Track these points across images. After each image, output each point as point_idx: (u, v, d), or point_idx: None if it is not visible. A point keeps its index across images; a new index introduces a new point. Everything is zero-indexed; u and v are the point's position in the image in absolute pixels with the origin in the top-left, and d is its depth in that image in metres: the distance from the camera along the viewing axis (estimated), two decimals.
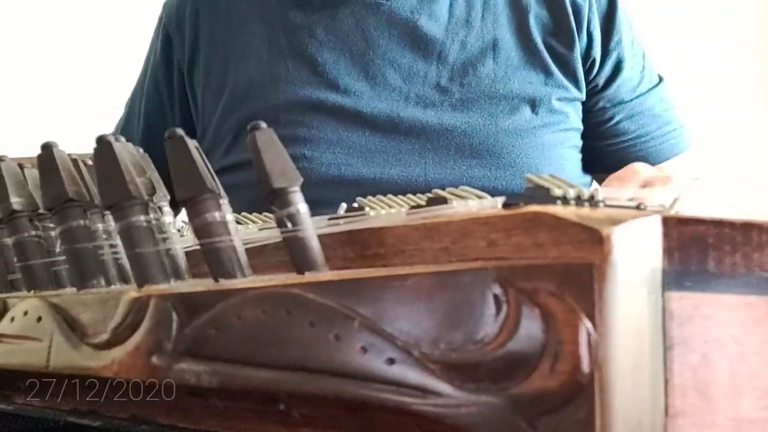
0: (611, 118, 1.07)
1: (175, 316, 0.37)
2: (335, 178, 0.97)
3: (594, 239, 0.29)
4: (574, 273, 0.29)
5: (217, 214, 0.38)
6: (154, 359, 0.37)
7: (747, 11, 2.36)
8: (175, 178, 0.39)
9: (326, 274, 0.37)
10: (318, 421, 0.35)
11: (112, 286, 0.44)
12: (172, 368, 0.36)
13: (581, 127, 1.05)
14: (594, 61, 1.03)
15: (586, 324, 0.29)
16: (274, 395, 0.35)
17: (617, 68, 1.05)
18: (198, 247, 0.39)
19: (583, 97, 1.04)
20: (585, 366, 0.29)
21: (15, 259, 0.48)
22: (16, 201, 0.47)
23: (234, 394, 0.36)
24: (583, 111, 1.05)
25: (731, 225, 0.32)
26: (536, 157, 0.99)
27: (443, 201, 0.41)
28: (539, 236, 0.31)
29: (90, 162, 0.46)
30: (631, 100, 1.07)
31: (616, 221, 0.29)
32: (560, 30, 1.02)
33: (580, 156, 1.06)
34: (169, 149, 0.39)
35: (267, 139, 0.38)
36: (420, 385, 0.31)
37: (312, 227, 0.38)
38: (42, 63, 1.93)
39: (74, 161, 0.45)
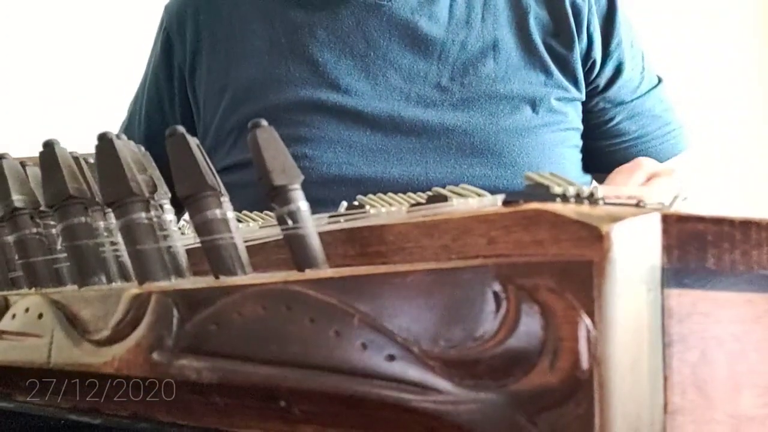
0: (612, 119, 1.07)
1: (175, 312, 0.37)
2: (336, 177, 0.98)
3: (593, 236, 0.29)
4: (574, 270, 0.29)
5: (217, 212, 0.38)
6: (155, 355, 0.37)
7: (747, 11, 2.36)
8: (176, 175, 0.39)
9: (326, 271, 0.37)
10: (318, 417, 0.35)
11: (113, 283, 0.44)
12: (173, 364, 0.36)
13: (581, 127, 1.05)
14: (594, 62, 1.03)
15: (586, 321, 0.29)
16: (275, 391, 0.35)
17: (618, 70, 1.05)
18: (199, 245, 0.39)
19: (583, 97, 1.04)
20: (584, 363, 0.29)
21: (16, 257, 0.48)
22: (17, 198, 0.47)
23: (234, 390, 0.36)
24: (584, 111, 1.05)
25: (730, 223, 0.32)
26: (537, 156, 1.00)
27: (443, 199, 0.41)
28: (539, 233, 0.31)
29: (91, 160, 0.46)
30: (632, 100, 1.07)
31: (615, 218, 0.29)
32: (560, 31, 1.02)
33: (580, 156, 1.07)
34: (170, 147, 0.39)
35: (268, 136, 0.38)
36: (420, 381, 0.31)
37: (312, 225, 0.38)
38: (44, 63, 1.93)
39: (75, 159, 0.45)
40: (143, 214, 0.40)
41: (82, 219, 0.43)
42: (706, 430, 0.31)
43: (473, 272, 0.31)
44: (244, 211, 0.54)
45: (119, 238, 0.42)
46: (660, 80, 1.11)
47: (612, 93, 1.06)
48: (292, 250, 0.38)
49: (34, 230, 0.47)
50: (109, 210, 0.42)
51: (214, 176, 0.39)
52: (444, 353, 0.31)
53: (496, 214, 0.33)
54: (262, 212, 0.53)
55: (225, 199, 0.39)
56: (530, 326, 0.30)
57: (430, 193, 0.42)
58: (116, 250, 0.44)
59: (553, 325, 0.29)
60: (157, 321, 0.37)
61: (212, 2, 1.07)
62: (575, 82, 1.02)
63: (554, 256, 0.30)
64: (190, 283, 0.39)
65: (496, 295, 0.30)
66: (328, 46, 1.01)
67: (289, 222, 0.38)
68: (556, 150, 1.02)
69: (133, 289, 0.39)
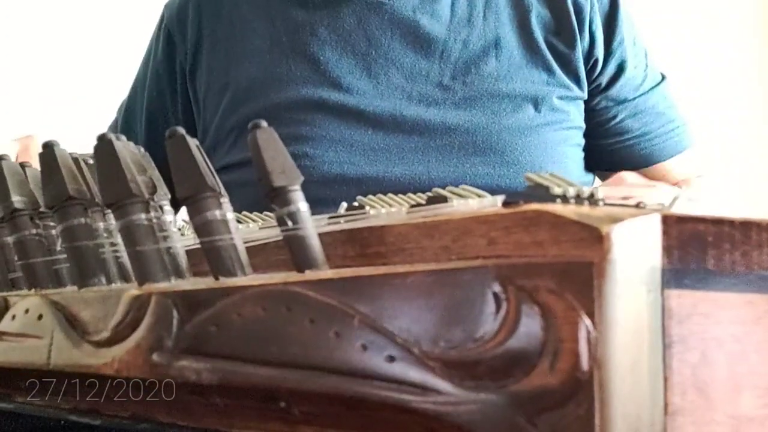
0: (614, 117, 1.07)
1: (175, 313, 0.37)
2: (338, 176, 0.98)
3: (594, 237, 0.29)
4: (574, 271, 0.29)
5: (217, 213, 0.38)
6: (155, 357, 0.37)
7: (747, 11, 2.36)
8: (176, 176, 0.39)
9: (326, 272, 0.37)
10: (318, 418, 0.35)
11: (113, 284, 0.44)
12: (173, 365, 0.36)
13: (583, 125, 1.05)
14: (597, 60, 1.03)
15: (586, 322, 0.29)
16: (275, 392, 0.35)
17: (620, 68, 1.05)
18: (199, 246, 0.39)
19: (585, 96, 1.04)
20: (584, 364, 0.29)
21: (16, 258, 0.48)
22: (17, 199, 0.47)
23: (234, 391, 0.36)
24: (586, 110, 1.05)
25: (730, 223, 0.32)
26: (539, 155, 1.00)
27: (443, 200, 0.41)
28: (539, 234, 0.31)
29: (91, 160, 0.46)
30: (634, 98, 1.07)
31: (615, 219, 0.29)
32: (562, 29, 1.02)
33: (582, 154, 1.06)
34: (170, 148, 0.39)
35: (267, 137, 0.38)
36: (420, 382, 0.31)
37: (312, 226, 0.38)
38: (44, 63, 1.93)
39: (75, 160, 0.45)
40: (143, 215, 0.40)
41: (82, 220, 0.43)
42: (707, 431, 0.31)
43: (473, 273, 0.31)
44: (244, 212, 0.54)
45: (119, 239, 0.42)
46: (663, 78, 1.11)
47: (614, 91, 1.05)
48: (291, 251, 0.38)
49: (34, 231, 0.47)
50: (109, 211, 0.42)
51: (214, 177, 0.39)
52: (444, 354, 0.31)
53: (496, 215, 0.33)
54: (262, 212, 0.53)
55: (225, 200, 0.39)
56: (530, 327, 0.30)
57: (430, 193, 0.42)
58: (116, 251, 0.44)
59: (554, 326, 0.29)
60: (156, 322, 0.37)
61: (213, 0, 1.07)
62: (577, 81, 1.02)
63: (554, 257, 0.30)
64: (189, 284, 0.39)
65: (496, 296, 0.30)
66: (329, 44, 1.01)
67: (289, 223, 0.38)
68: (559, 149, 1.02)
69: (132, 290, 0.39)
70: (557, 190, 0.35)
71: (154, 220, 0.40)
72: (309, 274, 0.37)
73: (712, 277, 0.31)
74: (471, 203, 0.40)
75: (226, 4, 1.06)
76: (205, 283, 0.38)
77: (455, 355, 0.31)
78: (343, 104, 0.99)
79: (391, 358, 0.32)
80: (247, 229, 0.50)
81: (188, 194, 0.39)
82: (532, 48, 1.01)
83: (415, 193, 0.46)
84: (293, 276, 0.36)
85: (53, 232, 0.47)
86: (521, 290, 0.30)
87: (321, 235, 0.38)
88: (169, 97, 1.09)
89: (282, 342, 0.34)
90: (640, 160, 1.09)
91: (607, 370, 0.29)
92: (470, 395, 0.30)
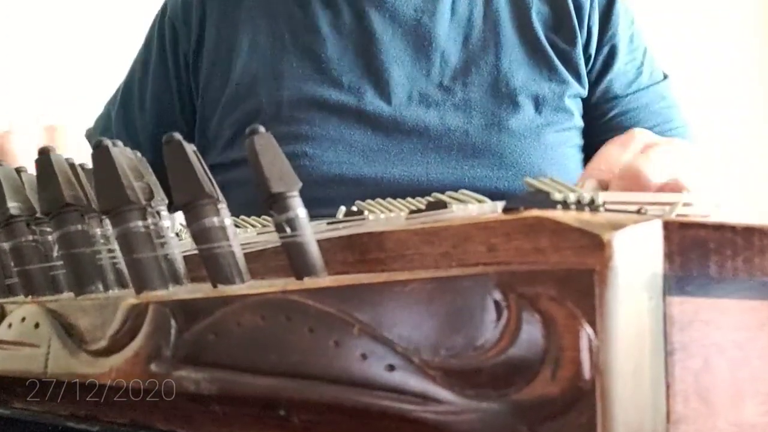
0: (605, 114, 1.06)
1: (173, 322, 0.36)
2: (337, 176, 0.97)
3: (595, 244, 0.29)
4: (575, 278, 0.29)
5: (215, 219, 0.38)
6: (153, 366, 0.36)
7: (747, 11, 2.35)
8: (174, 182, 0.39)
9: (325, 280, 0.36)
10: (318, 427, 0.35)
11: (110, 291, 0.44)
12: (171, 375, 0.36)
13: (582, 124, 1.05)
14: (590, 56, 1.03)
15: (587, 330, 0.28)
16: (274, 401, 0.34)
17: (608, 62, 1.04)
18: (196, 252, 0.39)
19: (585, 93, 1.03)
20: (586, 372, 0.28)
21: (12, 264, 0.48)
22: (13, 205, 0.47)
23: (233, 399, 0.36)
24: (583, 107, 1.05)
25: (732, 229, 0.31)
26: (539, 157, 0.99)
27: (443, 205, 0.40)
28: (540, 241, 0.31)
29: (88, 166, 0.46)
30: (626, 95, 1.06)
31: (616, 226, 0.29)
32: (562, 25, 1.02)
33: (581, 155, 1.06)
34: (168, 154, 0.39)
35: (265, 143, 0.38)
36: (420, 391, 0.31)
37: (311, 232, 0.38)
38: (43, 64, 1.93)
39: (72, 166, 0.45)
40: (140, 222, 0.39)
41: (79, 227, 0.43)
42: None
43: (474, 280, 0.31)
44: (242, 216, 0.54)
45: (116, 246, 0.42)
46: (665, 77, 1.10)
47: (604, 86, 1.05)
48: (290, 257, 0.37)
49: (30, 238, 0.47)
50: (106, 217, 0.42)
51: (212, 183, 0.39)
52: (445, 363, 0.31)
53: (496, 222, 0.33)
54: (260, 211, 0.53)
55: (222, 206, 0.39)
56: (531, 335, 0.30)
57: (429, 198, 0.42)
58: (113, 258, 0.44)
59: (555, 334, 0.29)
60: (154, 331, 0.37)
61: None
62: (578, 77, 1.02)
63: (555, 264, 0.30)
64: (188, 291, 0.39)
65: (497, 303, 0.30)
66: (331, 42, 1.01)
67: (288, 229, 0.37)
68: (558, 150, 1.01)
69: (130, 298, 0.39)
70: (558, 196, 0.35)
71: (152, 227, 0.40)
72: (308, 282, 0.36)
73: (714, 283, 0.31)
74: (471, 209, 0.39)
75: (230, 0, 1.07)
76: (204, 290, 0.38)
77: (456, 363, 0.30)
78: (343, 103, 0.99)
79: (391, 367, 0.31)
80: (245, 235, 0.49)
81: (186, 201, 0.38)
82: (533, 46, 1.01)
83: (413, 194, 0.46)
84: (292, 284, 0.35)
85: (50, 238, 0.47)
86: (522, 298, 0.30)
87: (320, 241, 0.38)
88: (176, 85, 1.09)
89: (281, 351, 0.33)
90: None
91: (608, 377, 0.28)
92: (471, 404, 0.30)
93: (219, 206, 0.38)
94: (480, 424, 0.30)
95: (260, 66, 1.02)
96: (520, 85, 1.00)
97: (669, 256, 0.30)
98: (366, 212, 0.44)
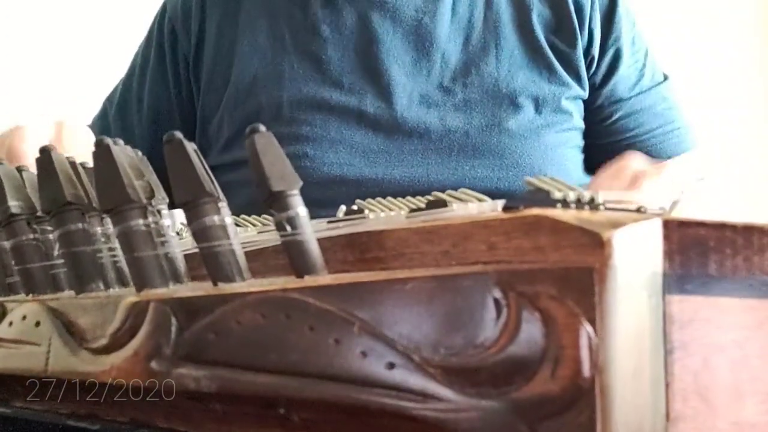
0: (610, 116, 1.07)
1: (174, 320, 0.36)
2: (337, 177, 0.97)
3: (594, 243, 0.29)
4: (575, 277, 0.29)
5: (216, 218, 0.38)
6: (153, 364, 0.37)
7: (747, 11, 2.35)
8: (174, 181, 0.39)
9: (325, 278, 0.36)
10: (318, 425, 0.35)
11: (111, 290, 0.44)
12: (171, 373, 0.36)
13: (583, 126, 1.05)
14: (593, 58, 1.03)
15: (587, 328, 0.29)
16: (274, 399, 0.34)
17: (613, 65, 1.04)
18: (197, 250, 0.39)
19: (586, 95, 1.03)
20: (586, 370, 0.29)
21: (13, 263, 0.48)
22: (14, 204, 0.47)
23: (233, 398, 0.36)
24: (584, 109, 1.05)
25: (732, 228, 0.31)
26: (539, 157, 0.99)
27: (443, 204, 0.40)
28: (540, 240, 0.31)
29: (89, 165, 0.46)
30: (630, 98, 1.07)
31: (616, 225, 0.29)
32: (563, 27, 1.02)
33: (581, 156, 1.06)
34: (168, 153, 0.39)
35: (266, 142, 0.38)
36: (420, 389, 0.31)
37: (311, 230, 0.38)
38: (43, 64, 1.93)
39: (72, 164, 0.45)
40: (141, 221, 0.40)
41: (79, 225, 0.43)
42: None
43: (474, 279, 0.31)
44: (242, 216, 0.54)
45: (117, 244, 0.42)
46: (665, 79, 1.10)
47: (609, 89, 1.05)
48: (290, 256, 0.37)
49: (31, 236, 0.47)
50: (107, 216, 0.42)
51: (212, 182, 0.39)
52: (444, 361, 0.31)
53: (496, 220, 0.33)
54: (261, 211, 0.53)
55: (223, 205, 0.39)
56: (531, 333, 0.30)
57: (429, 197, 0.42)
58: (114, 256, 0.44)
59: (554, 332, 0.29)
60: (155, 329, 0.37)
61: None
62: (578, 79, 1.02)
63: (555, 262, 0.30)
64: (188, 289, 0.39)
65: (496, 302, 0.30)
66: (331, 43, 1.01)
67: (288, 228, 0.37)
68: (559, 151, 1.02)
69: (130, 296, 0.39)
70: (558, 195, 0.35)
71: (152, 225, 0.40)
72: (308, 280, 0.36)
73: (713, 282, 0.31)
74: (471, 208, 0.39)
75: (230, 1, 1.06)
76: (204, 289, 0.38)
77: (456, 361, 0.31)
78: (344, 104, 0.99)
79: (391, 365, 0.31)
80: (245, 234, 0.49)
81: (186, 199, 0.38)
82: (533, 47, 1.01)
83: (414, 195, 0.46)
84: (292, 282, 0.35)
85: (50, 237, 0.47)
86: (522, 296, 0.30)
87: (320, 240, 0.38)
88: (173, 87, 1.09)
89: (281, 349, 0.33)
90: None
91: (608, 376, 0.28)
92: (471, 402, 0.30)
93: (219, 205, 0.38)
94: (480, 422, 0.30)
95: (260, 67, 1.02)
96: (520, 87, 1.00)
97: (669, 254, 0.30)
98: (366, 211, 0.45)
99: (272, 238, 0.42)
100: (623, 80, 1.06)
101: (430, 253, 0.36)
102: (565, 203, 0.34)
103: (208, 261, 0.38)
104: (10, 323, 0.46)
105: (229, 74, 1.04)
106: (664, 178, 0.90)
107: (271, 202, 0.38)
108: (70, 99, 1.89)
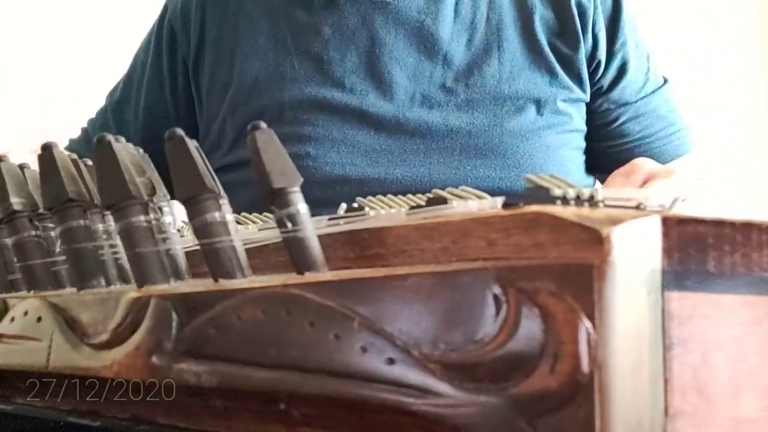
0: (616, 119, 1.07)
1: (175, 316, 0.37)
2: (339, 177, 0.98)
3: (594, 239, 0.29)
4: (574, 273, 0.29)
5: (217, 215, 0.38)
6: (154, 359, 0.37)
7: (747, 11, 2.36)
8: (175, 178, 0.39)
9: (326, 274, 0.36)
10: (318, 420, 0.35)
11: (112, 286, 0.44)
12: (172, 368, 0.36)
13: (585, 128, 1.05)
14: (599, 63, 1.03)
15: (586, 324, 0.29)
16: (274, 395, 0.35)
17: (622, 70, 1.05)
18: (198, 247, 0.39)
19: (587, 98, 1.04)
20: (585, 366, 0.29)
21: (15, 259, 0.48)
22: (16, 201, 0.47)
23: (234, 393, 0.36)
24: (588, 112, 1.05)
25: (731, 225, 0.32)
26: (540, 158, 1.00)
27: (443, 201, 0.41)
28: (539, 236, 0.31)
29: (90, 162, 0.46)
30: (636, 101, 1.07)
31: (615, 221, 0.29)
32: (565, 31, 1.02)
33: (583, 158, 1.07)
34: (169, 149, 0.39)
35: (267, 139, 0.38)
36: (420, 385, 0.31)
37: (312, 227, 0.38)
38: (44, 64, 1.93)
39: (74, 161, 0.45)
40: (142, 217, 0.40)
41: (81, 222, 0.43)
42: None
43: (473, 275, 0.31)
44: (243, 213, 0.54)
45: (118, 241, 0.42)
46: (665, 81, 1.11)
47: (616, 93, 1.06)
48: (291, 253, 0.38)
49: (33, 233, 0.47)
50: (108, 213, 0.42)
51: (213, 179, 0.39)
52: (444, 356, 0.31)
53: (496, 217, 0.33)
54: (263, 211, 0.53)
55: (224, 202, 0.39)
56: (530, 329, 0.30)
57: (429, 195, 0.42)
58: (115, 253, 0.44)
59: (554, 328, 0.29)
60: (156, 325, 0.37)
61: None
62: (580, 83, 1.02)
63: (554, 259, 0.30)
64: (189, 286, 0.39)
65: (496, 298, 0.30)
66: (333, 43, 1.01)
67: (289, 225, 0.37)
68: (560, 152, 1.02)
69: (132, 292, 0.39)
70: (557, 192, 0.35)
71: (153, 222, 0.40)
72: (308, 276, 0.36)
73: (712, 278, 0.31)
74: (471, 205, 0.39)
75: (230, 2, 1.06)
76: (205, 285, 0.38)
77: (455, 357, 0.31)
78: (346, 104, 0.99)
79: (391, 361, 0.32)
80: (246, 231, 0.50)
81: (187, 196, 0.38)
82: (535, 50, 1.01)
83: (416, 194, 0.46)
84: (293, 278, 0.36)
85: (52, 233, 0.47)
86: (521, 292, 0.30)
87: (320, 237, 0.38)
88: (170, 96, 1.09)
89: (282, 345, 0.33)
90: None
91: (607, 372, 0.29)
92: (470, 397, 0.30)
93: (220, 201, 0.39)
94: (479, 417, 0.30)
95: (262, 68, 1.02)
96: (521, 88, 1.00)
97: (668, 251, 0.30)
98: (366, 208, 0.45)
99: (273, 235, 0.42)
100: (631, 84, 1.06)
101: (430, 250, 0.36)
102: (564, 200, 0.35)
103: (209, 257, 0.38)
104: (12, 319, 0.46)
105: (231, 76, 1.04)
106: (675, 180, 0.91)
107: (272, 199, 0.38)
108: (70, 99, 1.89)
